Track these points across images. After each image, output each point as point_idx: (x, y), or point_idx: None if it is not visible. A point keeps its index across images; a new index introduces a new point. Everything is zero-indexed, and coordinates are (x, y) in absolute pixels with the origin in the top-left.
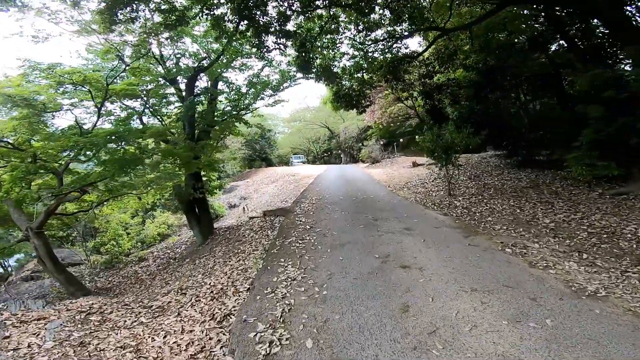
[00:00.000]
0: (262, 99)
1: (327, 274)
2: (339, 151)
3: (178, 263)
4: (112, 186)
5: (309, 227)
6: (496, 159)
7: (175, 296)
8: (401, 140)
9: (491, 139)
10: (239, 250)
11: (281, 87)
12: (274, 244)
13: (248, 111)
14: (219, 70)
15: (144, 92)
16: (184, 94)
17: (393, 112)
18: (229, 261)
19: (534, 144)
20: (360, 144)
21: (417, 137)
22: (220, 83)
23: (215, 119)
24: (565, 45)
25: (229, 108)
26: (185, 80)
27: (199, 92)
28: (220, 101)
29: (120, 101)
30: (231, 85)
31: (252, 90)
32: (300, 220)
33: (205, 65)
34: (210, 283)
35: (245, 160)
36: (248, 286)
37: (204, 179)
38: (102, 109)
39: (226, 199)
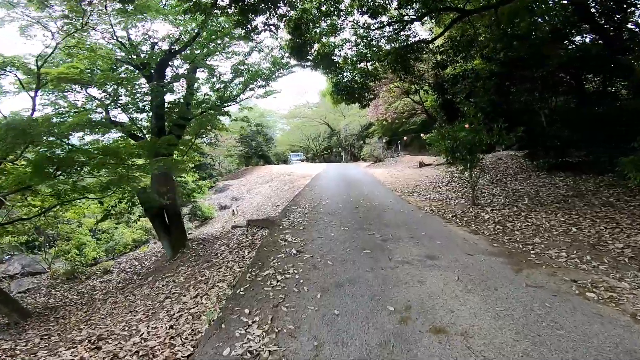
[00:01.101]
0: (252, 89)
1: (312, 346)
2: (340, 149)
3: (139, 282)
4: (62, 190)
5: (295, 252)
6: (515, 160)
7: (84, 351)
8: (405, 138)
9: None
10: (203, 278)
11: (273, 77)
12: (244, 276)
13: (234, 102)
14: (197, 53)
15: (101, 79)
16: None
17: (398, 108)
18: (184, 295)
19: (566, 144)
20: (362, 142)
21: (422, 135)
22: (203, 71)
23: (193, 110)
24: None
25: (213, 98)
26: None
27: (171, 78)
28: (208, 95)
29: (73, 90)
30: (213, 72)
31: (239, 79)
32: (286, 240)
33: (178, 48)
34: (143, 333)
35: (241, 157)
36: (188, 354)
37: (182, 179)
38: (46, 98)
39: (217, 199)
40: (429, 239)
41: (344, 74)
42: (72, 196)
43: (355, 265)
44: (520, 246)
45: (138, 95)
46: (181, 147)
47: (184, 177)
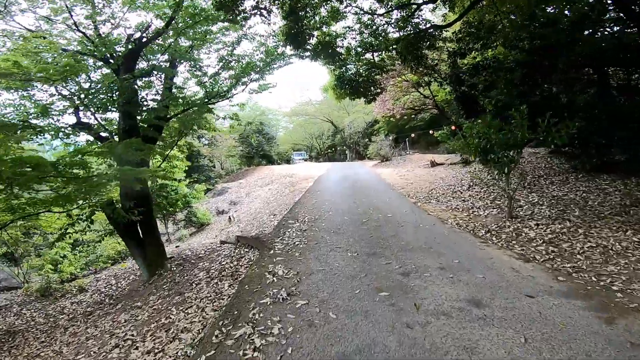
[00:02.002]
0: (245, 83)
1: None
2: (344, 147)
3: (107, 308)
4: (16, 205)
5: (285, 296)
6: (540, 159)
7: None
8: (412, 135)
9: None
10: (167, 321)
11: (268, 69)
12: (213, 330)
13: (223, 99)
14: (171, 42)
15: (40, 71)
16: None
17: (407, 103)
18: (136, 348)
19: (609, 143)
20: (367, 140)
21: (432, 132)
22: (186, 65)
23: (173, 109)
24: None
25: (201, 95)
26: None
27: (144, 71)
28: (193, 92)
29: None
30: (197, 65)
31: (229, 72)
32: (276, 273)
33: (150, 37)
34: None
35: (243, 157)
36: None
37: (173, 184)
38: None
39: (215, 203)
40: (466, 270)
41: (348, 66)
42: (29, 211)
43: (368, 319)
44: (594, 279)
45: (95, 89)
46: (159, 151)
47: (176, 183)
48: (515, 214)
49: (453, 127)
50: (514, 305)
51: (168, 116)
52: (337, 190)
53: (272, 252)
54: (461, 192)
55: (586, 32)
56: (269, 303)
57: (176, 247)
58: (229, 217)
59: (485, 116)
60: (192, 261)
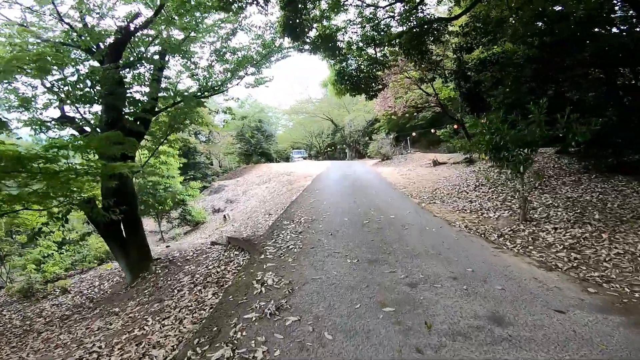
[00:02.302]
0: (241, 77)
1: None
2: (344, 146)
3: (85, 312)
4: None
5: (274, 310)
6: (547, 158)
7: None
8: (413, 134)
9: None
10: (140, 333)
11: (264, 62)
12: (183, 355)
13: (218, 93)
14: (162, 28)
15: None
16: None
17: (409, 100)
18: None
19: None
20: (367, 138)
21: (433, 130)
22: (178, 58)
23: (162, 102)
24: None
25: (194, 89)
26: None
27: (128, 61)
28: (183, 86)
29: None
30: (189, 57)
31: (224, 65)
32: (265, 283)
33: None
34: None
35: (241, 155)
36: None
37: (167, 182)
38: None
39: (211, 201)
40: (481, 280)
41: (348, 61)
42: (5, 208)
43: (370, 341)
44: (627, 290)
45: (76, 81)
46: (147, 145)
47: (168, 180)
48: (529, 216)
49: (455, 126)
50: (543, 322)
51: (157, 109)
52: (337, 189)
53: (263, 256)
54: (467, 193)
55: (596, 30)
56: (254, 319)
57: (167, 246)
58: (224, 215)
59: (498, 111)
60: (179, 263)
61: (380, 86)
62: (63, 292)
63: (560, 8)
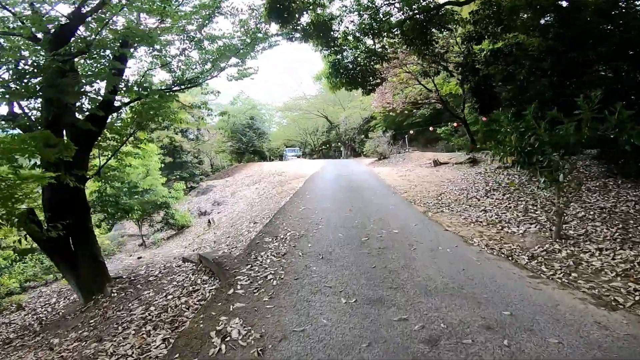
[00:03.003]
0: (222, 69)
1: None
2: (339, 144)
3: (29, 337)
4: None
5: None
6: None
7: None
8: (411, 132)
9: None
10: None
11: (249, 52)
12: None
13: (193, 85)
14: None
15: None
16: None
17: (409, 96)
18: None
19: None
20: (363, 136)
21: (437, 128)
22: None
23: (123, 95)
24: None
25: (170, 82)
26: None
27: (74, 49)
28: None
29: None
30: (160, 46)
31: (201, 54)
32: (229, 335)
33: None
34: None
35: (233, 153)
36: None
37: (146, 184)
38: None
39: (198, 202)
40: (527, 330)
41: (344, 53)
42: None
43: None
44: None
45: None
46: (104, 145)
47: (154, 181)
48: (563, 232)
49: (455, 124)
50: None
51: (115, 105)
52: (330, 193)
53: (232, 290)
54: (478, 199)
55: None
56: None
57: (138, 258)
58: (209, 220)
59: (508, 108)
60: (139, 286)
61: (378, 80)
62: (18, 308)
63: None
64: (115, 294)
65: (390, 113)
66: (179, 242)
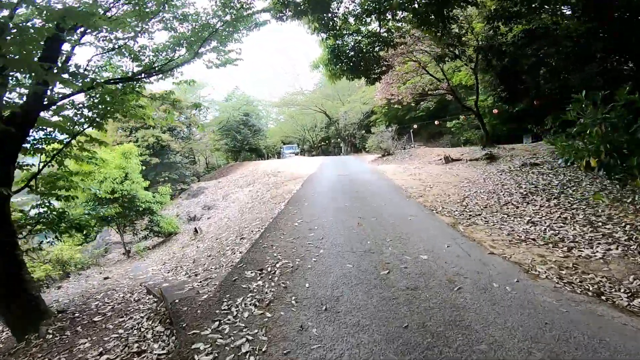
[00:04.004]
0: (198, 54)
1: None
2: (338, 140)
3: None
4: None
5: None
6: None
7: None
8: (415, 126)
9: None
10: None
11: (230, 33)
12: None
13: (161, 74)
14: None
15: None
16: None
17: (418, 86)
18: None
19: None
20: (364, 131)
21: (440, 122)
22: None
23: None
24: None
25: (135, 71)
26: None
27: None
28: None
29: None
30: (112, 28)
31: (171, 35)
32: None
33: None
34: None
35: (228, 152)
36: None
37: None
38: None
39: (187, 206)
40: None
41: (345, 38)
42: None
43: None
44: None
45: None
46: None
47: (134, 186)
48: None
49: (462, 117)
50: None
51: (47, 102)
52: (332, 200)
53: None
54: (516, 206)
55: None
56: None
57: (105, 278)
58: (195, 229)
59: (623, 88)
60: (80, 327)
61: (384, 68)
62: None
63: None
64: (51, 336)
65: (396, 106)
66: (161, 253)
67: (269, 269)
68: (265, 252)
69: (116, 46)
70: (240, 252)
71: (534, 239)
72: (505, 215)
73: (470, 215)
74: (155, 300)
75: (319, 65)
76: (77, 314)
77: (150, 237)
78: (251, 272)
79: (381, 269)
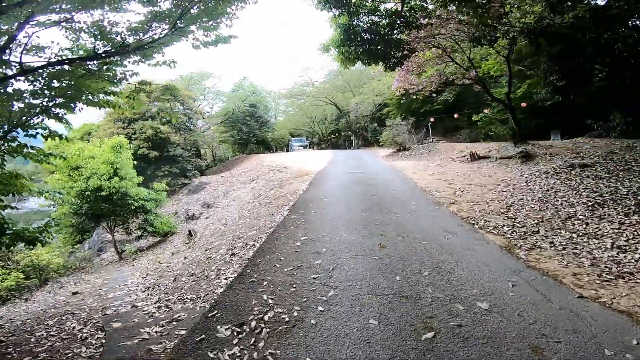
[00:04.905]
0: (181, 30)
1: None
2: (349, 132)
3: None
4: None
5: None
6: None
7: None
8: (432, 119)
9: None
10: None
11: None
12: None
13: (130, 54)
14: None
15: None
16: None
17: (445, 74)
18: None
19: None
20: (376, 124)
21: (459, 115)
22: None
23: None
24: None
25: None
26: None
27: None
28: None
29: None
30: None
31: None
32: None
33: None
34: None
35: (235, 144)
36: None
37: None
38: None
39: (187, 203)
40: None
41: (360, 17)
42: None
43: None
44: None
45: None
46: None
47: (123, 183)
48: None
49: (486, 110)
50: None
51: None
52: (344, 207)
53: None
54: (585, 221)
55: None
56: None
57: (73, 293)
58: (189, 231)
59: None
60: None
61: (406, 52)
62: None
63: None
64: None
65: (414, 97)
66: (149, 260)
67: (253, 325)
68: (252, 291)
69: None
70: (226, 278)
71: (631, 273)
72: (574, 235)
73: (525, 233)
74: (102, 344)
75: (329, 48)
76: (10, 348)
77: (145, 237)
78: (226, 329)
79: (422, 328)
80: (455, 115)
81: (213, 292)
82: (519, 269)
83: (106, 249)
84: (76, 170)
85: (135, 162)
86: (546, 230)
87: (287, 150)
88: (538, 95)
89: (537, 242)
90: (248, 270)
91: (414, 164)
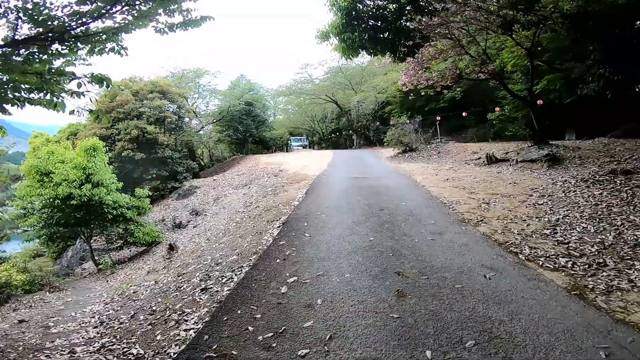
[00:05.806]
0: (134, 7)
1: None
2: (350, 131)
3: None
4: None
5: None
6: None
7: None
8: (439, 118)
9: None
10: None
11: None
12: None
13: (76, 41)
14: None
15: None
16: None
17: (460, 67)
18: None
19: None
20: (379, 123)
21: (467, 114)
22: None
23: None
24: None
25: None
26: None
27: None
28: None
29: None
30: None
31: None
32: None
33: None
34: None
35: (232, 144)
36: None
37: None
38: None
39: (174, 210)
40: None
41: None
42: None
43: None
44: None
45: None
46: None
47: (96, 190)
48: None
49: (497, 108)
50: None
51: None
52: (347, 228)
53: None
54: None
55: None
56: None
57: (20, 321)
58: (170, 245)
59: None
60: None
61: (419, 40)
62: None
63: None
64: None
65: (425, 92)
66: (124, 276)
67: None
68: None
69: None
70: (185, 330)
71: None
72: None
73: (589, 266)
74: None
75: (328, 35)
76: None
77: (128, 247)
78: None
79: None
80: (464, 114)
81: (166, 353)
82: (606, 327)
83: (88, 258)
84: (47, 175)
85: (118, 164)
86: (615, 262)
87: (287, 150)
88: (554, 94)
89: (612, 281)
90: (205, 337)
91: (423, 167)
